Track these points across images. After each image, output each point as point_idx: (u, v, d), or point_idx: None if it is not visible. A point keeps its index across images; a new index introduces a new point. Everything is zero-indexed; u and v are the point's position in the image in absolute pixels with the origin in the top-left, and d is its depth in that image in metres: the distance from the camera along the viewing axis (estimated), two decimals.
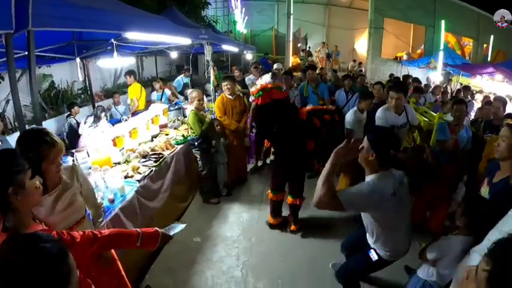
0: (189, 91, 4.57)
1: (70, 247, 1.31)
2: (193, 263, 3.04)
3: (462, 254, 1.74)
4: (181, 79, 7.95)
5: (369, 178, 1.88)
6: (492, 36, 14.36)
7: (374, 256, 2.07)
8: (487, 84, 8.95)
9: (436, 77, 11.31)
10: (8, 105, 5.49)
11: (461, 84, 9.68)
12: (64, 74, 6.46)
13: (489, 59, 14.22)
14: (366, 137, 1.87)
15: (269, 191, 3.54)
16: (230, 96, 4.32)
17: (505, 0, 7.13)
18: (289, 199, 3.47)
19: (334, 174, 1.68)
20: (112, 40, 3.81)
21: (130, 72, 6.12)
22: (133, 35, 3.03)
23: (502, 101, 3.87)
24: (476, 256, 1.49)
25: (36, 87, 2.10)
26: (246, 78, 6.17)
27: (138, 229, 1.58)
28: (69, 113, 5.50)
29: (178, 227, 1.66)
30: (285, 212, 3.67)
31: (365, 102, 3.85)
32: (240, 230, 3.62)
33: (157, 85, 6.79)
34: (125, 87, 8.77)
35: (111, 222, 2.39)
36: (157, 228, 1.63)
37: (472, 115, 5.78)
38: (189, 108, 5.19)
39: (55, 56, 4.47)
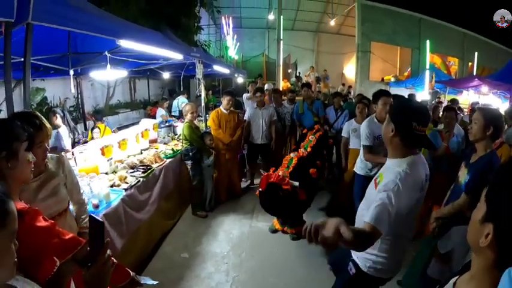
0: (182, 105, 4.66)
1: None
2: (180, 279, 2.87)
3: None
4: (182, 99, 7.95)
5: (394, 167, 1.47)
6: (476, 54, 14.77)
7: (352, 270, 1.63)
8: (474, 99, 9.10)
9: (423, 96, 10.99)
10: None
11: (448, 101, 9.84)
12: (57, 90, 6.35)
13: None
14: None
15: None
16: (225, 111, 4.40)
17: (489, 18, 7.21)
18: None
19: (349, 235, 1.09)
20: (106, 53, 3.86)
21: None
22: (128, 44, 3.02)
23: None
24: None
25: (28, 90, 2.04)
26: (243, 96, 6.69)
27: (114, 259, 1.51)
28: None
29: (150, 281, 1.55)
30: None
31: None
32: (229, 246, 3.48)
33: (164, 105, 6.97)
34: (117, 108, 8.74)
35: None
36: (130, 271, 1.52)
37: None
38: (180, 126, 5.22)
39: (49, 67, 4.38)
